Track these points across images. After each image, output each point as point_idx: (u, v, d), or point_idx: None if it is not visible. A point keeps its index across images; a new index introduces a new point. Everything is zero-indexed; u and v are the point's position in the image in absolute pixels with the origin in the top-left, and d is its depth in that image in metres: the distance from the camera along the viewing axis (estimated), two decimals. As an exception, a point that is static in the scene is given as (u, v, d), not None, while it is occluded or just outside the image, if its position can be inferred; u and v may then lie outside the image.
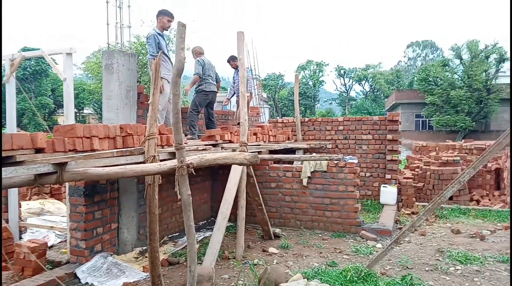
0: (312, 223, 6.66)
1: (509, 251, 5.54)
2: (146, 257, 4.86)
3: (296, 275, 3.70)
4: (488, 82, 27.32)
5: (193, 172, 3.08)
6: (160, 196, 5.10)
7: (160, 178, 3.72)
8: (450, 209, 8.09)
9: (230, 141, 6.27)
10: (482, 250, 5.57)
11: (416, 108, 32.61)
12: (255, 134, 7.17)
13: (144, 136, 3.78)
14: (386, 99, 48.27)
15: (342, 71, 61.77)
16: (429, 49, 71.31)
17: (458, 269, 4.81)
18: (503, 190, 9.14)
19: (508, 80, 31.07)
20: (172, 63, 6.08)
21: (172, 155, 4.10)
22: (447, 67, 29.95)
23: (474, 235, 6.28)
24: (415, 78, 34.83)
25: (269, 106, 57.33)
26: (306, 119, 9.31)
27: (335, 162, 6.41)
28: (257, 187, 5.67)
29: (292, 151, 8.19)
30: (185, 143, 5.24)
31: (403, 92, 34.71)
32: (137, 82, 5.87)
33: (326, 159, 5.45)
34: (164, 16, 6.05)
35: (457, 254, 5.26)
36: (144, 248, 5.18)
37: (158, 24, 6.09)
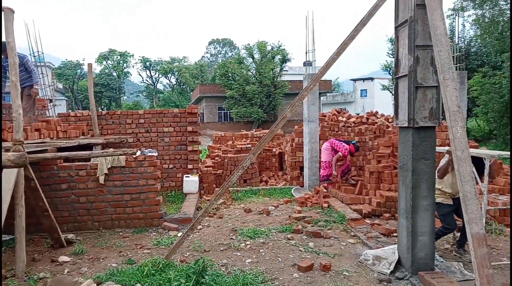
0: (112, 222, 6.29)
1: (288, 221, 6.57)
2: None
3: (86, 281, 3.40)
4: (275, 79, 31.67)
5: None
6: None
7: None
8: (244, 191, 9.02)
9: (4, 140, 5.27)
10: (267, 224, 6.42)
11: (218, 101, 35.04)
12: (37, 130, 6.24)
13: None
14: (192, 92, 50.05)
15: (147, 63, 60.74)
16: (228, 47, 77.48)
17: (248, 244, 5.39)
18: (285, 170, 10.77)
19: (289, 77, 36.76)
20: None
21: None
22: (242, 64, 33.19)
23: (262, 212, 7.18)
24: (217, 73, 37.34)
25: (66, 98, 51.37)
26: (104, 112, 8.70)
27: (134, 156, 6.22)
28: (40, 191, 4.95)
29: (89, 147, 7.52)
30: None
31: (206, 86, 36.74)
32: None
33: (121, 154, 5.20)
34: None
35: (247, 231, 5.89)
36: None
37: None
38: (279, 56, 32.31)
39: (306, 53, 9.39)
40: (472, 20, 22.71)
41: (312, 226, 6.30)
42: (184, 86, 61.36)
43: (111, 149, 6.56)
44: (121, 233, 6.11)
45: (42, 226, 5.44)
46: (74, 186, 6.15)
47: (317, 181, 9.16)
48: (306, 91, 4.31)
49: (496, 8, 22.07)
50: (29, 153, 4.72)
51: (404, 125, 4.24)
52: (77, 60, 56.19)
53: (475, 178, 4.72)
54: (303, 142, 9.67)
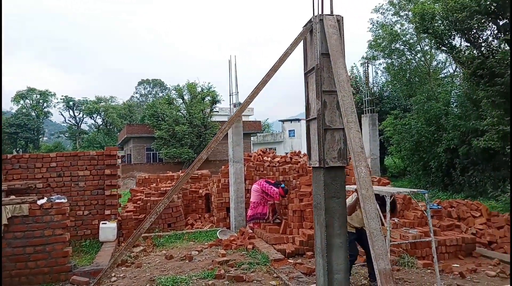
0: (11, 280, 5.56)
1: (211, 266, 6.34)
2: None
3: None
4: (205, 120, 31.76)
5: None
6: None
7: None
8: (167, 236, 8.60)
9: None
10: (188, 271, 6.12)
11: (146, 141, 34.04)
12: None
13: None
14: (119, 133, 48.18)
15: (71, 103, 57.74)
16: (159, 88, 76.72)
17: (165, 295, 5.06)
18: (212, 212, 10.55)
19: (220, 118, 37.13)
20: None
21: None
22: (172, 105, 32.94)
23: (184, 258, 6.86)
24: (146, 114, 36.50)
25: (-25, 140, 46.48)
26: (9, 155, 7.94)
27: (39, 203, 5.67)
28: None
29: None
30: None
31: (134, 127, 35.66)
32: None
33: (18, 202, 4.69)
34: None
35: (166, 280, 5.55)
36: None
37: None
38: (209, 97, 32.67)
39: (230, 95, 9.58)
40: (383, 68, 25.17)
41: (235, 269, 6.14)
42: (111, 127, 59.02)
43: (12, 196, 5.93)
44: (20, 292, 5.41)
45: None
46: (-36, 240, 5.39)
47: (244, 222, 9.07)
48: (221, 133, 4.32)
49: (403, 57, 24.82)
50: None
51: (316, 165, 4.40)
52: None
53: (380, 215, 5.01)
54: (229, 183, 9.62)
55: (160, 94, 73.67)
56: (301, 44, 4.72)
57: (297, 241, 7.20)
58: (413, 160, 18.72)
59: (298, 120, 49.47)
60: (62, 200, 5.91)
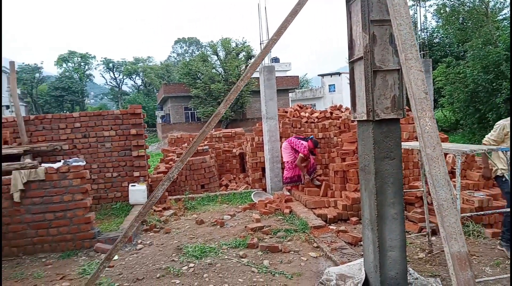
0: (34, 247, 5.30)
1: (244, 233, 5.77)
2: None
3: None
4: (240, 76, 30.81)
5: None
6: None
7: None
8: (200, 198, 8.14)
9: None
10: (219, 238, 5.59)
11: (184, 101, 33.87)
12: None
13: None
14: (157, 93, 48.52)
15: (110, 64, 58.49)
16: (195, 46, 75.79)
17: (191, 267, 4.55)
18: (247, 172, 9.97)
19: (256, 74, 36.02)
20: None
21: None
22: (206, 62, 32.15)
23: (215, 223, 6.34)
24: (179, 73, 36.01)
25: (25, 104, 48.73)
26: (32, 116, 7.61)
27: (55, 167, 5.25)
28: None
29: (17, 158, 6.45)
30: None
31: (171, 86, 35.46)
32: None
33: (17, 168, 4.23)
34: None
35: (193, 249, 5.04)
36: None
37: None
38: (244, 53, 31.50)
39: (260, 43, 8.62)
40: (434, 10, 22.65)
41: (270, 237, 5.53)
42: (150, 87, 59.61)
43: (28, 160, 5.54)
44: (44, 259, 5.13)
45: None
46: (-17, 207, 5.11)
47: (280, 183, 8.41)
48: (243, 80, 3.52)
49: (456, -2, 22.11)
50: None
51: (363, 119, 3.50)
52: (35, 64, 53.47)
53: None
54: (263, 141, 8.90)
55: (197, 53, 72.91)
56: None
57: (339, 205, 6.44)
58: (468, 112, 17.01)
59: (339, 73, 47.22)
60: (80, 163, 5.45)
